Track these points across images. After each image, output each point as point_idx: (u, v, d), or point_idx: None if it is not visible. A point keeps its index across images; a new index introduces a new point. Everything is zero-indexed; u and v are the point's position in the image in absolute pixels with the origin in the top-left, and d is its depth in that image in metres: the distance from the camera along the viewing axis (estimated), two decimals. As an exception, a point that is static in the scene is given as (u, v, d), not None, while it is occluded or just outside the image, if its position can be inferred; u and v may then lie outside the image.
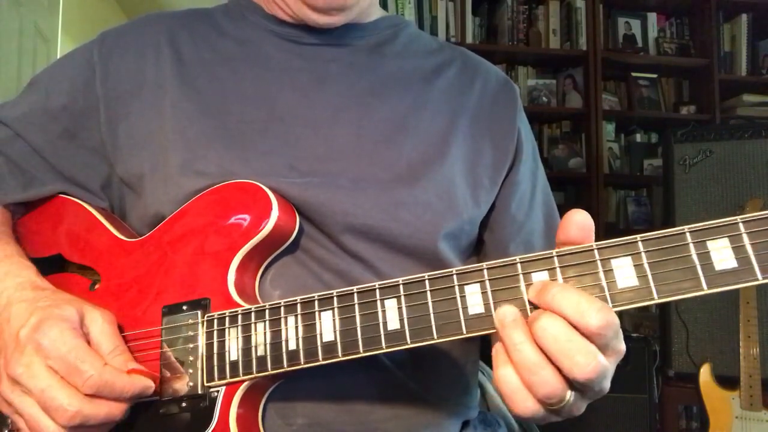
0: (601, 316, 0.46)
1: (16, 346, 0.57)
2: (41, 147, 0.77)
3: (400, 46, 0.84)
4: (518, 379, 0.48)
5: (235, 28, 0.81)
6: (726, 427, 2.05)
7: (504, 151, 0.80)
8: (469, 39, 3.25)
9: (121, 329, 0.65)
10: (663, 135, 2.72)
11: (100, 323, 0.61)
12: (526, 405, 0.49)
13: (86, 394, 0.56)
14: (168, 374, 0.63)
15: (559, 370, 0.47)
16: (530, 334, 0.48)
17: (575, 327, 0.47)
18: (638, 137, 3.45)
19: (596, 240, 0.51)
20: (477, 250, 0.82)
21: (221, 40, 0.80)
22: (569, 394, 0.48)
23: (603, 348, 0.47)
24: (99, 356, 0.58)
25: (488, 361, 0.88)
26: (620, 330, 0.49)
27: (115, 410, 0.58)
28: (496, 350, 0.50)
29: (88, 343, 0.60)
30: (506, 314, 0.49)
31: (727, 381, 2.09)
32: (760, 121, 2.64)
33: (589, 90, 3.23)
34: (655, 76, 3.46)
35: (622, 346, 0.49)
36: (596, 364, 0.46)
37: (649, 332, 2.82)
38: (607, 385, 0.50)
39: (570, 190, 3.42)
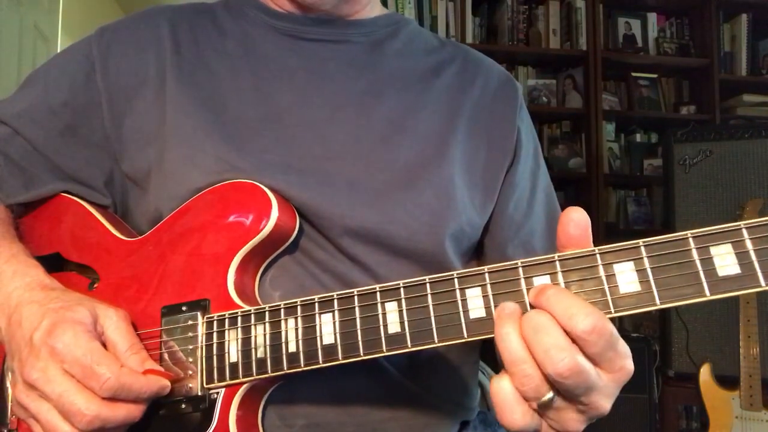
0: (588, 321, 0.45)
1: (30, 351, 0.57)
2: (41, 144, 0.76)
3: (400, 44, 0.83)
4: (511, 388, 0.48)
5: (235, 26, 0.81)
6: (726, 427, 2.05)
7: (501, 152, 0.79)
8: (469, 39, 3.25)
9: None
10: (663, 135, 2.72)
11: (114, 321, 0.60)
12: (513, 417, 0.48)
13: (104, 398, 0.55)
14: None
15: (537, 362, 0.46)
16: (519, 326, 0.48)
17: (563, 328, 0.46)
18: (638, 137, 3.45)
19: (596, 239, 0.51)
20: (477, 253, 0.82)
21: (221, 38, 0.79)
22: (549, 394, 0.47)
23: (594, 357, 0.46)
24: (115, 358, 0.58)
25: (489, 362, 0.88)
26: (621, 345, 0.47)
27: (133, 411, 0.57)
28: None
29: (104, 342, 0.59)
30: (505, 307, 0.49)
31: (727, 381, 2.09)
32: (760, 121, 2.64)
33: (589, 90, 3.23)
34: (655, 76, 3.46)
35: (623, 363, 0.48)
36: (570, 361, 0.45)
37: (649, 332, 2.82)
38: (598, 400, 0.48)
39: (570, 190, 3.42)
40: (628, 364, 0.48)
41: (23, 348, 0.58)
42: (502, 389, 0.48)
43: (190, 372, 0.62)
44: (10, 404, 0.68)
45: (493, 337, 0.51)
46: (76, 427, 0.55)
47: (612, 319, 0.48)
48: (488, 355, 0.83)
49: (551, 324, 0.46)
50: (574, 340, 0.46)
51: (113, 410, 0.56)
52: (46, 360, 0.56)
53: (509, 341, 0.47)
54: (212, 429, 0.60)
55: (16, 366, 0.58)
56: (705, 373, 2.12)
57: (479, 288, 0.52)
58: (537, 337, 0.46)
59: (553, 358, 0.45)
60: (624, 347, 0.48)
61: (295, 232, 0.68)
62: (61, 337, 0.56)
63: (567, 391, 0.47)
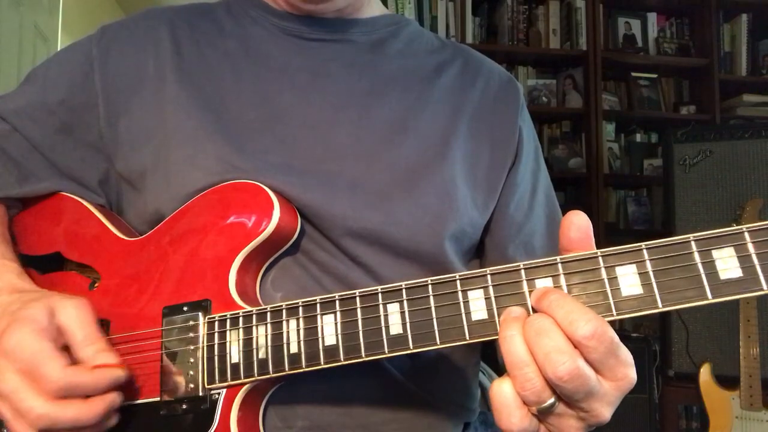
0: (589, 326, 0.45)
1: None
2: (38, 142, 0.76)
3: (401, 45, 0.83)
4: (512, 392, 0.48)
5: (236, 26, 0.81)
6: (726, 427, 2.06)
7: (504, 152, 0.79)
8: (469, 39, 3.25)
9: (120, 329, 0.65)
10: (663, 135, 2.73)
11: (70, 312, 0.60)
12: (511, 420, 0.48)
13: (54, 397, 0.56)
14: (168, 375, 0.63)
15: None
16: (523, 330, 0.48)
17: (564, 333, 0.46)
18: (638, 137, 3.45)
19: (596, 240, 0.51)
20: (478, 252, 0.82)
21: (222, 38, 0.79)
22: (550, 399, 0.47)
23: (595, 363, 0.46)
24: (62, 357, 0.57)
25: (490, 363, 0.88)
26: (623, 353, 0.47)
27: (84, 412, 0.56)
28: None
29: (63, 334, 0.59)
30: (511, 311, 0.49)
31: (727, 381, 2.10)
32: (760, 121, 2.64)
33: (589, 90, 3.23)
34: (655, 76, 3.46)
35: (625, 371, 0.47)
36: (570, 365, 0.45)
37: (649, 332, 2.83)
38: (599, 407, 0.48)
39: (570, 190, 3.42)
40: (631, 373, 0.48)
41: None
42: (503, 392, 0.48)
43: (191, 372, 0.62)
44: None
45: (494, 339, 0.51)
46: (28, 425, 0.55)
47: (612, 320, 0.48)
48: (489, 356, 0.83)
49: (553, 327, 0.46)
50: (575, 346, 0.46)
51: (62, 410, 0.55)
52: (0, 360, 0.56)
53: (513, 344, 0.47)
54: (213, 429, 0.60)
55: None
56: (705, 373, 2.12)
57: (481, 290, 0.52)
58: (538, 340, 0.46)
59: (554, 361, 0.45)
60: (626, 355, 0.48)
61: (297, 233, 0.68)
62: (10, 338, 0.57)
63: (567, 396, 0.47)
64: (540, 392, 0.47)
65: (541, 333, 0.46)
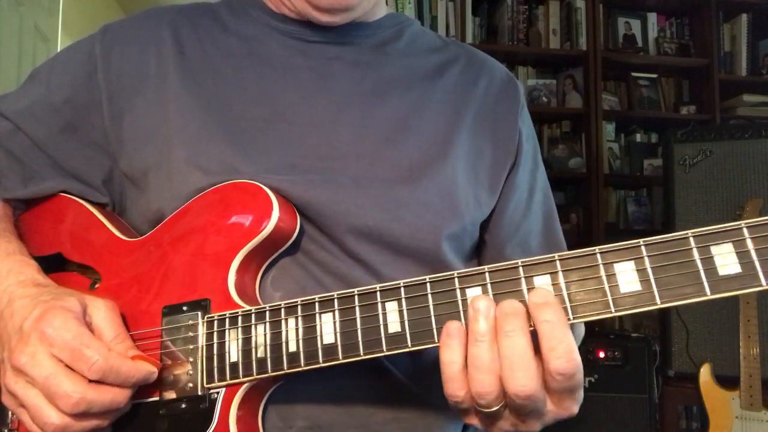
0: (566, 366, 0.48)
1: (20, 338, 0.58)
2: (42, 141, 0.76)
3: (404, 45, 0.84)
4: (461, 368, 0.51)
5: (239, 25, 0.81)
6: (726, 427, 2.06)
7: (505, 152, 0.80)
8: (469, 39, 3.25)
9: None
10: (663, 135, 2.73)
11: (102, 311, 0.61)
12: (457, 393, 0.52)
13: (91, 380, 0.56)
14: (168, 375, 0.63)
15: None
16: (494, 331, 0.50)
17: (542, 356, 0.49)
18: (638, 137, 3.45)
19: (596, 240, 0.51)
20: (477, 251, 0.82)
21: (224, 37, 0.79)
22: (499, 405, 0.51)
23: (551, 391, 0.50)
24: (103, 342, 0.59)
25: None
26: (579, 393, 0.51)
27: (119, 397, 0.58)
28: (459, 331, 0.52)
29: (92, 331, 0.60)
30: (479, 308, 0.51)
31: (727, 381, 2.10)
32: (760, 121, 2.64)
33: (589, 90, 3.23)
34: (655, 76, 3.46)
35: (572, 406, 0.52)
36: (532, 387, 0.48)
37: (649, 332, 2.83)
38: (535, 422, 0.52)
39: (570, 190, 3.42)
40: (575, 409, 0.52)
41: (13, 336, 0.59)
42: (453, 365, 0.51)
43: (191, 372, 0.62)
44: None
45: None
46: (63, 410, 0.55)
47: (612, 319, 0.49)
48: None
49: (528, 348, 0.49)
50: (543, 371, 0.49)
51: (99, 393, 0.56)
52: (35, 345, 0.57)
53: (481, 348, 0.50)
54: (212, 429, 0.60)
55: (6, 355, 0.59)
56: (705, 373, 2.12)
57: (480, 287, 0.52)
58: (508, 352, 0.49)
59: (518, 380, 0.49)
60: (580, 395, 0.51)
61: (296, 232, 0.68)
62: (51, 322, 0.57)
63: (513, 407, 0.50)
64: (491, 402, 0.50)
65: (515, 350, 0.49)
